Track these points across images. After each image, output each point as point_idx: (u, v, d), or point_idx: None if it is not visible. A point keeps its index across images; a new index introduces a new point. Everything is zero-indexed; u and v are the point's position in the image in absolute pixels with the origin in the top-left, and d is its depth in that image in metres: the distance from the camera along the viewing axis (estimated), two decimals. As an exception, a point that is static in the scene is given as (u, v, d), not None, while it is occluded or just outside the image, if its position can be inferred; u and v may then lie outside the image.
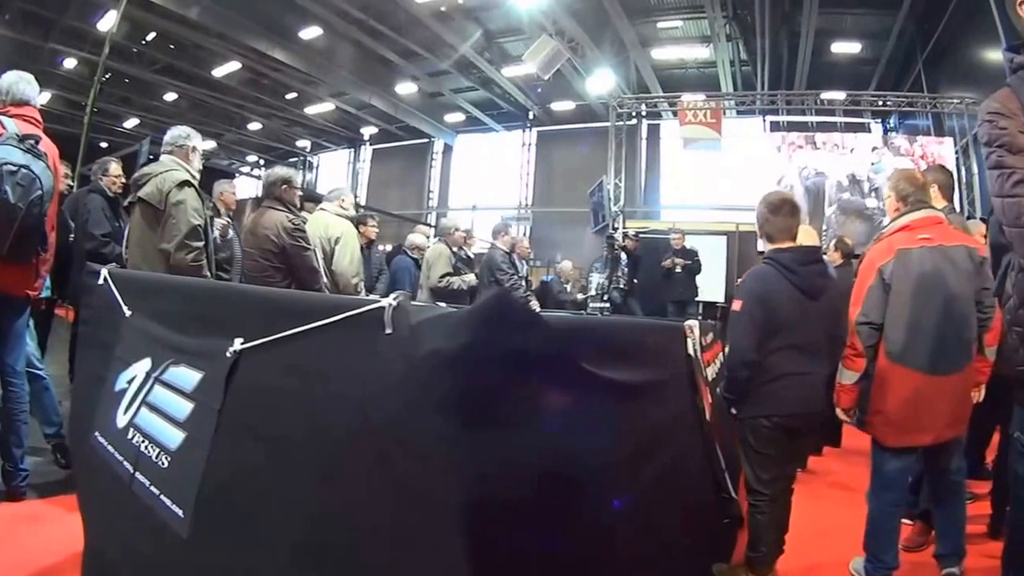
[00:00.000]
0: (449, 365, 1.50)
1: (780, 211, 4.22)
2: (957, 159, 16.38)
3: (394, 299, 1.68)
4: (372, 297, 1.83)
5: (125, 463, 2.50)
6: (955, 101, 16.26)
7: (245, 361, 2.08)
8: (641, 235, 15.72)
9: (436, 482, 1.50)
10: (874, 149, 17.32)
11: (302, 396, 1.90)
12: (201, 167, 5.45)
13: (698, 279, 13.22)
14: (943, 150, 16.40)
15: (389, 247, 15.00)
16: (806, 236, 5.86)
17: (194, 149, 5.37)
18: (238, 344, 2.08)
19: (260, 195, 6.21)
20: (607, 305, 13.42)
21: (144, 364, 2.62)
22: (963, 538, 4.53)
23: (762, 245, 4.38)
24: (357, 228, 7.66)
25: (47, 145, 4.33)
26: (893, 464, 4.19)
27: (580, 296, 13.74)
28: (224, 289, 3.48)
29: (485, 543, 1.50)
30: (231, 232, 7.95)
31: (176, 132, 5.37)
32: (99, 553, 2.84)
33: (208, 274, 5.09)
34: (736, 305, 4.11)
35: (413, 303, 1.68)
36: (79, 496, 3.17)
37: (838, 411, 4.35)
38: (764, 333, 3.96)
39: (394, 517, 1.59)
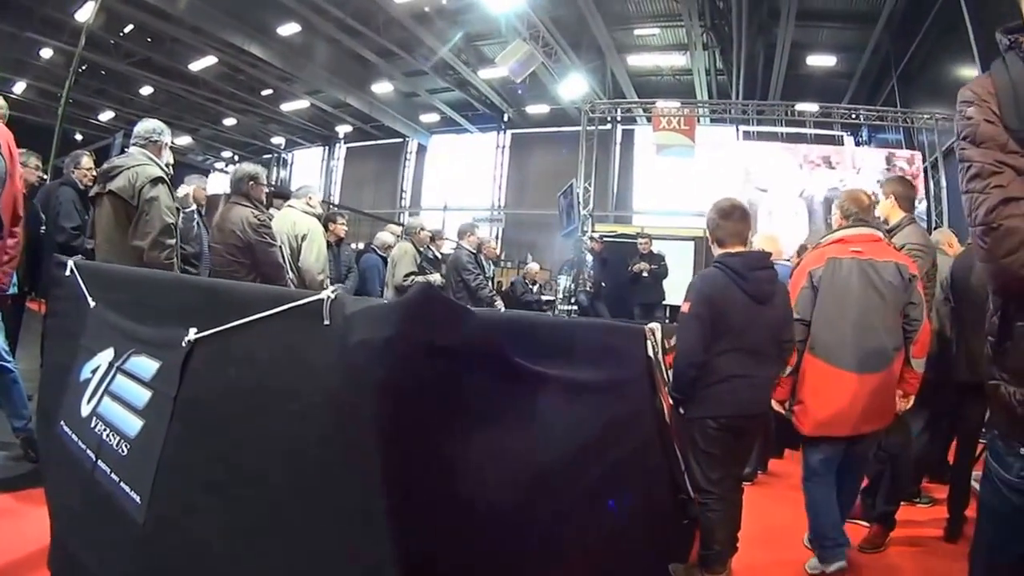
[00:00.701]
0: (376, 354, 1.58)
1: (731, 216, 4.28)
2: (926, 172, 16.57)
3: (332, 292, 1.77)
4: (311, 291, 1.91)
5: (88, 451, 2.54)
6: (925, 116, 16.45)
7: (199, 350, 2.14)
8: (608, 239, 15.67)
9: (368, 465, 1.57)
10: (885, 169, 17.50)
11: (250, 383, 1.98)
12: (172, 161, 5.40)
13: (665, 283, 13.23)
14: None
15: (361, 245, 15.01)
16: (768, 243, 6.01)
17: (165, 145, 5.33)
18: (192, 334, 2.15)
19: (228, 191, 6.18)
20: (575, 307, 13.48)
21: (107, 354, 2.67)
22: (845, 512, 4.81)
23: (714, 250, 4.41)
24: (326, 226, 7.67)
25: (0, 131, 4.28)
26: (817, 455, 4.48)
27: (544, 297, 13.75)
28: (181, 281, 3.45)
29: (413, 527, 1.59)
30: (199, 227, 7.94)
31: (149, 126, 5.30)
32: (64, 542, 2.85)
33: (176, 271, 5.07)
34: (684, 306, 4.15)
35: (351, 296, 1.76)
36: (46, 485, 3.18)
37: (773, 402, 4.55)
38: (711, 335, 4.01)
39: (333, 498, 1.67)
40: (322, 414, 1.71)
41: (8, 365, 5.01)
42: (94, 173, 6.56)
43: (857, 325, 4.34)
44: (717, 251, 4.32)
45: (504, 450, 1.97)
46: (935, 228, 14.31)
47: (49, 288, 3.76)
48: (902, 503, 5.56)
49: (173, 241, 5.01)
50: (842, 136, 22.32)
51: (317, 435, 1.72)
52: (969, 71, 14.97)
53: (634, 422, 3.39)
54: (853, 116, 18.24)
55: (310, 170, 37.79)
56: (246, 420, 1.96)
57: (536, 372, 2.18)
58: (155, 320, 2.51)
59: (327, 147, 37.44)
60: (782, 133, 20.13)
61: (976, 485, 5.89)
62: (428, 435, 1.66)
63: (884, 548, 5.06)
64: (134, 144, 5.24)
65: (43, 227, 6.40)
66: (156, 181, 4.97)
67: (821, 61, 20.74)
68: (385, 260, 9.90)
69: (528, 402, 2.16)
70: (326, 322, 1.74)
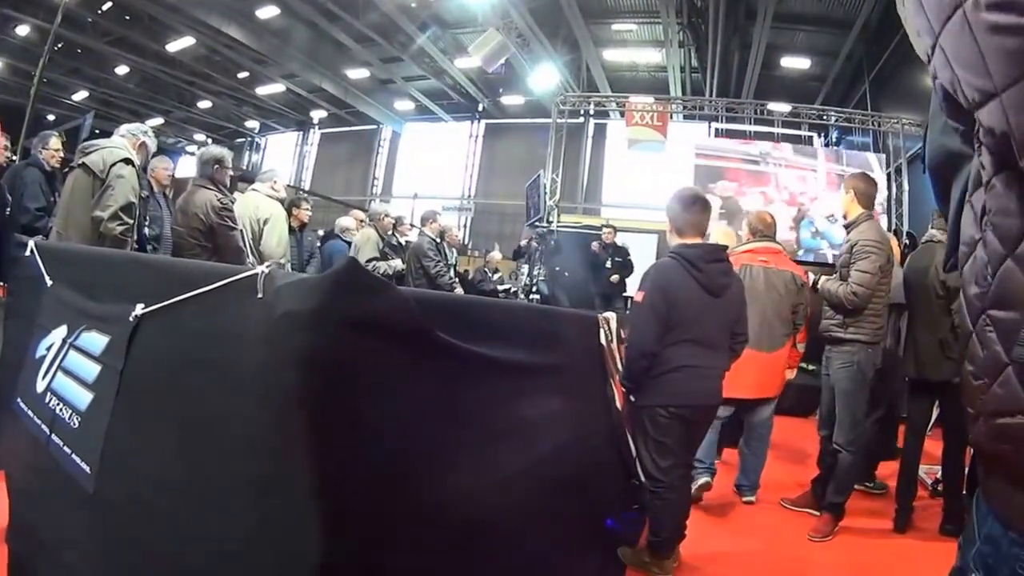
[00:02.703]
0: (300, 324, 1.67)
1: (692, 207, 4.31)
2: (889, 176, 16.65)
3: (266, 267, 1.84)
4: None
5: (43, 426, 2.61)
6: (892, 121, 16.62)
7: (145, 325, 2.22)
8: (573, 229, 15.72)
9: (291, 431, 1.66)
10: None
11: (192, 355, 2.08)
12: (143, 163, 5.60)
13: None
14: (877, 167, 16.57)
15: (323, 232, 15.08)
16: (724, 237, 6.43)
17: (143, 145, 5.52)
18: (139, 309, 2.22)
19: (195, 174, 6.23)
20: (536, 296, 13.47)
21: (61, 331, 2.74)
22: (759, 476, 6.02)
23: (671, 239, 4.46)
24: (290, 211, 7.70)
25: None
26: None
27: (501, 286, 13.76)
28: (130, 258, 3.55)
29: (331, 492, 1.68)
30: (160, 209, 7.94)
31: (137, 124, 5.55)
32: (21, 516, 2.92)
33: (130, 249, 5.14)
34: (638, 296, 4.18)
35: (284, 272, 1.84)
36: (3, 464, 3.24)
37: None
38: (664, 325, 4.04)
39: (265, 464, 1.75)
40: (253, 382, 1.79)
41: None
42: (62, 154, 6.63)
43: (760, 315, 5.49)
44: (675, 240, 4.35)
45: (428, 423, 2.05)
46: (895, 230, 14.47)
47: (10, 269, 3.80)
48: (866, 485, 6.20)
49: (132, 220, 5.12)
50: (811, 137, 22.55)
51: (250, 402, 1.79)
52: (940, 79, 15.17)
53: (581, 407, 3.43)
54: (823, 117, 18.43)
55: (283, 155, 37.51)
56: (187, 390, 2.04)
57: (465, 350, 2.23)
58: (106, 297, 2.58)
59: (301, 132, 37.25)
60: (750, 131, 20.23)
61: (925, 478, 6.23)
62: (347, 402, 1.74)
63: (832, 537, 5.24)
64: (119, 133, 5.47)
65: (7, 209, 6.36)
66: (128, 162, 5.19)
67: (795, 63, 20.91)
68: (350, 244, 9.98)
69: (455, 379, 2.21)
70: (259, 295, 1.81)
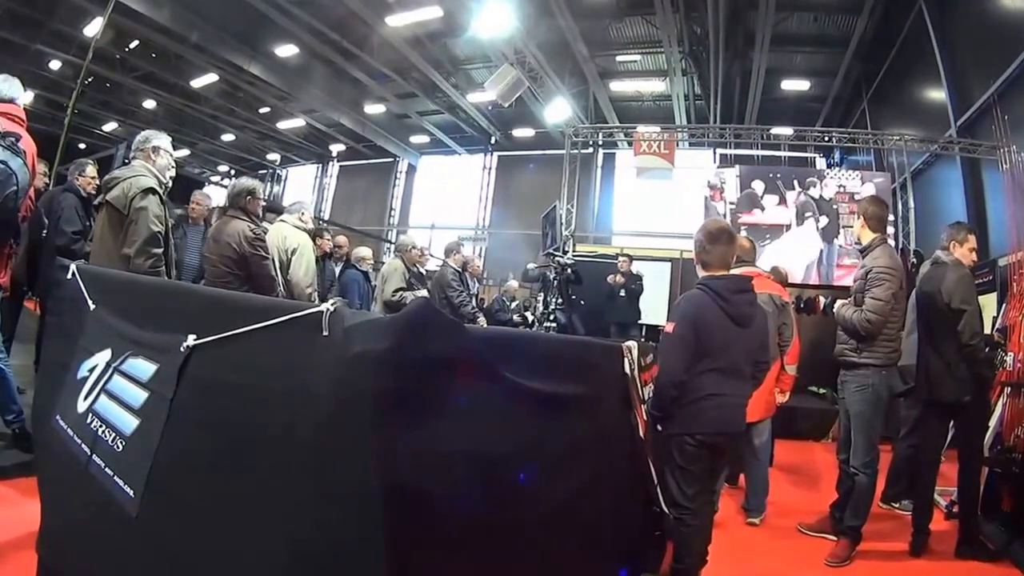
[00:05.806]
0: (374, 365, 1.69)
1: (718, 240, 4.38)
2: (894, 193, 16.43)
3: (331, 305, 1.87)
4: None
5: (83, 446, 2.62)
6: (895, 138, 16.39)
7: (197, 355, 2.23)
8: (587, 259, 15.56)
9: (361, 469, 1.68)
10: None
11: (247, 388, 2.07)
12: (172, 164, 5.54)
13: (642, 302, 13.42)
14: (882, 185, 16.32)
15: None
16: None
17: (155, 149, 5.41)
18: (191, 340, 2.24)
19: (225, 204, 6.35)
20: (553, 324, 13.61)
21: (105, 355, 2.75)
22: (765, 497, 6.19)
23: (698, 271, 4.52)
24: (314, 240, 7.88)
25: (26, 143, 4.47)
26: None
27: (518, 316, 13.86)
28: (181, 288, 3.66)
29: (401, 528, 1.68)
30: (184, 237, 8.16)
31: (141, 136, 5.46)
32: (55, 528, 2.93)
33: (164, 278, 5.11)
34: (669, 327, 4.25)
35: (349, 310, 1.91)
36: (38, 475, 3.26)
37: None
38: (693, 354, 4.11)
39: (326, 501, 1.76)
40: (319, 420, 1.78)
41: None
42: (97, 182, 6.76)
43: None
44: (701, 273, 4.45)
45: (494, 461, 2.05)
46: (902, 249, 14.62)
47: (50, 289, 3.91)
48: (892, 505, 6.38)
49: (159, 250, 5.11)
50: (815, 158, 22.83)
51: (311, 439, 1.79)
52: (936, 93, 15.33)
53: (609, 435, 3.35)
54: (826, 139, 18.35)
55: (303, 186, 38.22)
56: (242, 423, 2.05)
57: (523, 386, 2.21)
58: (154, 325, 2.57)
59: (320, 164, 37.95)
60: (757, 156, 20.31)
61: (940, 500, 6.10)
62: (422, 442, 1.74)
63: (850, 562, 5.23)
64: (133, 156, 5.46)
65: (44, 231, 6.50)
66: (147, 192, 5.12)
67: (795, 85, 21.25)
68: (365, 274, 10.19)
69: (514, 413, 2.20)
70: (325, 333, 1.83)
